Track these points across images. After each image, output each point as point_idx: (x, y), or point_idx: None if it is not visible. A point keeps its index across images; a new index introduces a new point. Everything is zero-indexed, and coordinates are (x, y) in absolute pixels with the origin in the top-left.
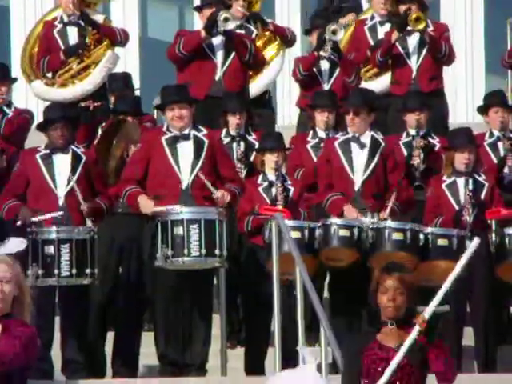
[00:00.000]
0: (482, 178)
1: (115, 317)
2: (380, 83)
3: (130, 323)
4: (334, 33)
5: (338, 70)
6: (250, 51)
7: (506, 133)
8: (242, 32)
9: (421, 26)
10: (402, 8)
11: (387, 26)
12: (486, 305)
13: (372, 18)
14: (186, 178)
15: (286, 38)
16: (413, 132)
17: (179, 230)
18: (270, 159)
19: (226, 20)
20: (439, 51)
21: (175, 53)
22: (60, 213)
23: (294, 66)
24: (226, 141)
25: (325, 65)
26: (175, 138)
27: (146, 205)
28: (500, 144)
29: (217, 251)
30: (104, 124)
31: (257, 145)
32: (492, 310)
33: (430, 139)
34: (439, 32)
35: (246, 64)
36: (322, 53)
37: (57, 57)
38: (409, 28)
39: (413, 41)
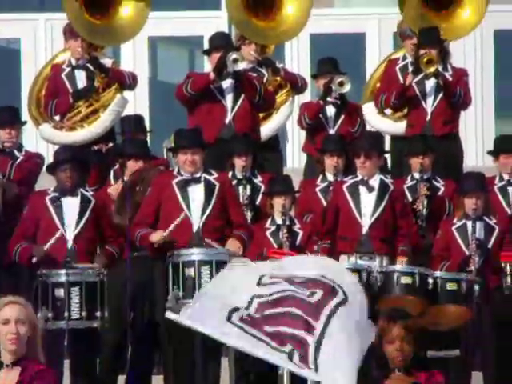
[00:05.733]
0: (492, 222)
1: (126, 360)
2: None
3: (141, 367)
4: (341, 84)
5: (343, 117)
6: (260, 92)
7: None
8: (253, 75)
9: (432, 69)
10: (422, 52)
11: None
12: (496, 349)
13: (404, 58)
14: (196, 221)
15: (296, 85)
16: (417, 176)
17: (190, 272)
18: (278, 203)
19: (236, 61)
20: (453, 95)
21: (183, 93)
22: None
23: (300, 113)
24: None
25: (330, 111)
26: (186, 182)
27: (156, 233)
28: (510, 188)
29: None
30: (117, 167)
31: (263, 188)
32: (501, 355)
33: (435, 182)
34: (457, 76)
35: (255, 105)
36: (328, 99)
37: (65, 100)
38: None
39: (430, 84)
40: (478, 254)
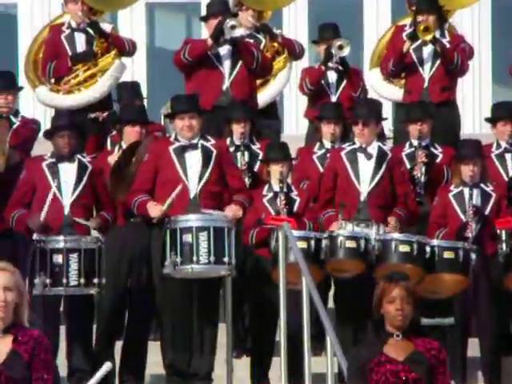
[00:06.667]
0: (489, 189)
1: (124, 326)
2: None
3: (138, 333)
4: (341, 48)
5: (344, 82)
6: (257, 59)
7: None
8: (251, 41)
9: (429, 37)
10: (419, 18)
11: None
12: (492, 316)
13: (411, 24)
14: (193, 187)
15: (294, 52)
16: (415, 143)
17: (188, 238)
18: (275, 170)
19: (233, 27)
20: (451, 62)
21: (181, 58)
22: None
23: (301, 78)
24: (230, 150)
25: (332, 77)
26: (183, 148)
27: (155, 208)
28: (508, 155)
29: (225, 259)
30: (114, 134)
31: (261, 154)
32: (497, 321)
33: (433, 149)
34: (455, 43)
35: (253, 72)
36: (329, 64)
37: (64, 63)
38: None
39: (427, 51)
40: (476, 220)
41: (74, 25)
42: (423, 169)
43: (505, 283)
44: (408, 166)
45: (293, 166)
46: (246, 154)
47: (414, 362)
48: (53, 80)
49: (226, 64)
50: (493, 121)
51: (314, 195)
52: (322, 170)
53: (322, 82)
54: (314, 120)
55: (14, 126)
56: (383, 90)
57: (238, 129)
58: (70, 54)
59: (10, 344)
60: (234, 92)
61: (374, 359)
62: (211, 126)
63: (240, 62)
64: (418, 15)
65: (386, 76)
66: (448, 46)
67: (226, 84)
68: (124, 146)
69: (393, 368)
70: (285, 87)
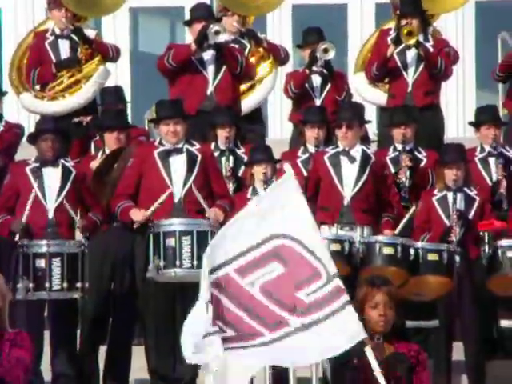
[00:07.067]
0: (473, 193)
1: (107, 331)
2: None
3: (122, 337)
4: (326, 51)
5: (329, 85)
6: (241, 64)
7: (497, 148)
8: (235, 46)
9: (412, 41)
10: (403, 22)
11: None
12: (476, 319)
13: (395, 29)
14: (178, 191)
15: (279, 57)
16: (399, 147)
17: (171, 242)
18: (259, 171)
19: (217, 33)
20: (434, 67)
21: (164, 63)
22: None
23: (285, 82)
24: (215, 154)
25: (316, 80)
26: (168, 152)
27: (138, 213)
28: (491, 159)
29: None
30: (97, 139)
31: (245, 158)
32: (481, 325)
33: (417, 154)
34: (438, 47)
35: (236, 76)
36: (314, 68)
37: (48, 69)
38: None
39: (411, 55)
40: (460, 224)
41: (57, 31)
42: (408, 173)
43: (487, 286)
44: (392, 171)
45: (276, 169)
46: (231, 158)
47: (395, 360)
48: (37, 87)
49: (210, 69)
50: (477, 125)
51: None
52: (305, 174)
53: (307, 85)
54: (298, 124)
55: None
56: (368, 94)
57: (222, 133)
58: (54, 60)
59: None
60: (218, 97)
61: (355, 359)
62: (195, 131)
63: (224, 68)
64: (402, 19)
65: (370, 80)
66: (432, 50)
67: (210, 89)
68: (107, 151)
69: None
70: (270, 93)
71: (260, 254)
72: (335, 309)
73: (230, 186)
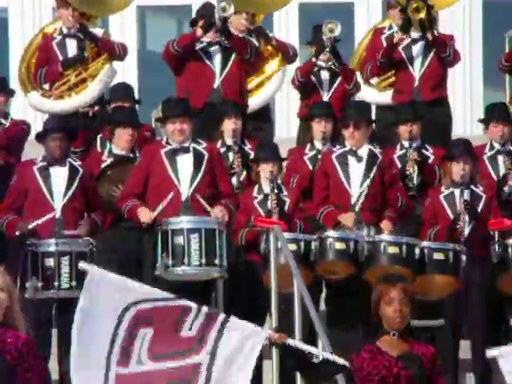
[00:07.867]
0: (479, 190)
1: None
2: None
3: None
4: (331, 31)
5: (338, 80)
6: (251, 48)
7: (506, 146)
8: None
9: (419, 16)
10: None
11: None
12: (484, 318)
13: (390, 27)
14: (185, 190)
15: (287, 54)
16: (406, 144)
17: (179, 240)
18: (265, 169)
19: (224, 9)
20: (443, 50)
21: (170, 51)
22: (50, 215)
23: (294, 74)
24: (221, 150)
25: (325, 74)
26: (175, 151)
27: (145, 214)
28: (499, 157)
29: (217, 261)
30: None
31: (252, 155)
32: (489, 323)
33: (424, 151)
34: (444, 38)
35: (247, 62)
36: (320, 62)
37: (55, 68)
38: (412, 35)
39: (416, 48)
40: (467, 213)
41: (65, 31)
42: (415, 166)
43: (498, 285)
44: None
45: (283, 166)
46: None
47: (408, 359)
48: (46, 86)
49: (217, 62)
50: (486, 122)
51: (304, 189)
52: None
53: (314, 79)
54: (306, 115)
55: (4, 127)
56: (363, 94)
57: (229, 125)
58: (60, 59)
59: None
60: (225, 90)
61: (367, 346)
62: (203, 125)
63: (231, 61)
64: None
65: (365, 79)
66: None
67: (217, 82)
68: (114, 147)
69: (385, 362)
70: (278, 91)
71: (124, 334)
72: (220, 326)
73: (242, 178)
